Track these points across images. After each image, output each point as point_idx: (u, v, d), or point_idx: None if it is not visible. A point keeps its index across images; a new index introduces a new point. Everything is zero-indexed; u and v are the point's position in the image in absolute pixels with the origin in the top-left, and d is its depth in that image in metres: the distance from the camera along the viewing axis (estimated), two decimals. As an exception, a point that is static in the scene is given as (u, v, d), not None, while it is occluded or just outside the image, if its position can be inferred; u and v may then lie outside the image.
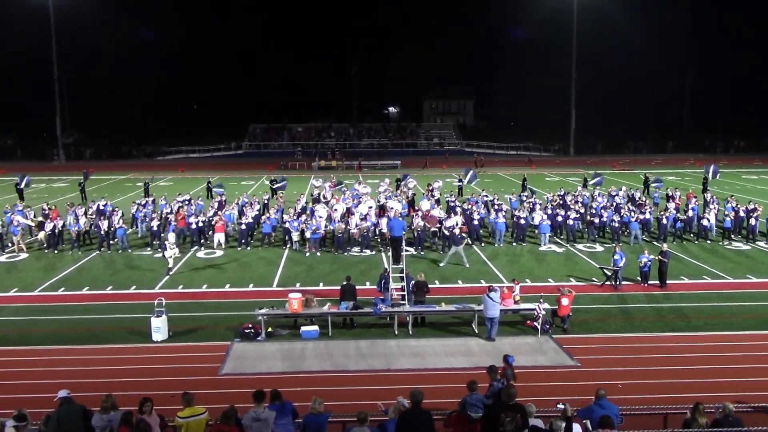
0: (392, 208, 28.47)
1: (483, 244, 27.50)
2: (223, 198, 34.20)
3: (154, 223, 27.38)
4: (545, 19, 77.02)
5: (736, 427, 9.46)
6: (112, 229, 27.07)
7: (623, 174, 54.92)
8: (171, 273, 22.84)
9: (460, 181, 42.08)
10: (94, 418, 9.61)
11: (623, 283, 21.29)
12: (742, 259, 25.16)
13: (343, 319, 17.74)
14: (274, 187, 39.12)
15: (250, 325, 16.90)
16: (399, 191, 36.54)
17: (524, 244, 27.41)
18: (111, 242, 27.03)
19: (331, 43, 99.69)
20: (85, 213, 28.84)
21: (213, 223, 27.85)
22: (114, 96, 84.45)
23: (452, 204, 31.33)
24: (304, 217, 27.99)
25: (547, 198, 33.71)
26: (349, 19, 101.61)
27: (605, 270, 21.77)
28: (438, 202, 32.78)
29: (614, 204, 31.09)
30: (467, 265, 23.70)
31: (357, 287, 18.26)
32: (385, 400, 11.45)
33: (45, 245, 26.72)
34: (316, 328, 17.01)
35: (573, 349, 15.90)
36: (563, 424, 9.10)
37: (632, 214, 28.17)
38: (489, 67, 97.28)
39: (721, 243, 27.63)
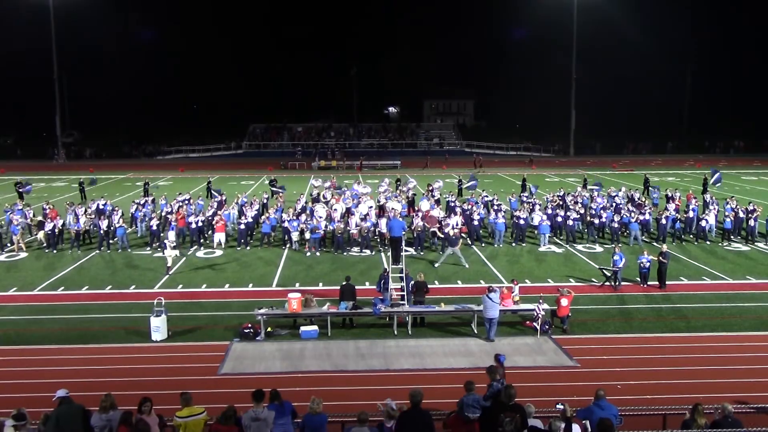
0: (393, 208, 28.49)
1: (483, 245, 27.50)
2: (223, 198, 34.22)
3: (154, 223, 27.38)
4: (545, 19, 77.12)
5: (736, 427, 9.45)
6: (111, 228, 27.07)
7: (623, 174, 54.96)
8: (170, 273, 22.84)
9: (460, 182, 42.12)
10: (93, 417, 9.61)
11: (623, 283, 21.30)
12: (741, 260, 25.17)
13: (343, 319, 17.74)
14: (272, 189, 39.08)
15: (250, 325, 16.90)
16: (398, 191, 36.58)
17: (524, 245, 27.41)
18: (111, 241, 27.03)
19: (332, 43, 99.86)
20: (85, 212, 28.86)
21: (214, 223, 27.84)
22: (114, 96, 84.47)
23: (452, 204, 31.35)
24: (303, 217, 27.99)
25: (547, 198, 33.73)
26: (349, 19, 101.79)
27: (605, 271, 21.77)
28: (438, 202, 32.78)
29: (614, 204, 31.10)
30: (466, 266, 23.71)
31: (356, 287, 18.26)
32: (385, 400, 11.44)
33: (44, 245, 26.71)
34: (315, 328, 17.01)
35: (572, 349, 15.91)
36: (563, 425, 9.11)
37: (632, 215, 28.17)
38: (489, 68, 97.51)
39: (720, 244, 27.64)
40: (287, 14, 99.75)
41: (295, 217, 27.74)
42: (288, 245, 26.92)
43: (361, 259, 25.20)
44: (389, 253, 19.83)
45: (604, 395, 10.00)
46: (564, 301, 17.18)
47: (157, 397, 10.59)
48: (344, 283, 18.02)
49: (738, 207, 29.33)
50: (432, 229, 26.52)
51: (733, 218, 28.32)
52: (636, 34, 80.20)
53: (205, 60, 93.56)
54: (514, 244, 27.49)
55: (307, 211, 29.27)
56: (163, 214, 29.99)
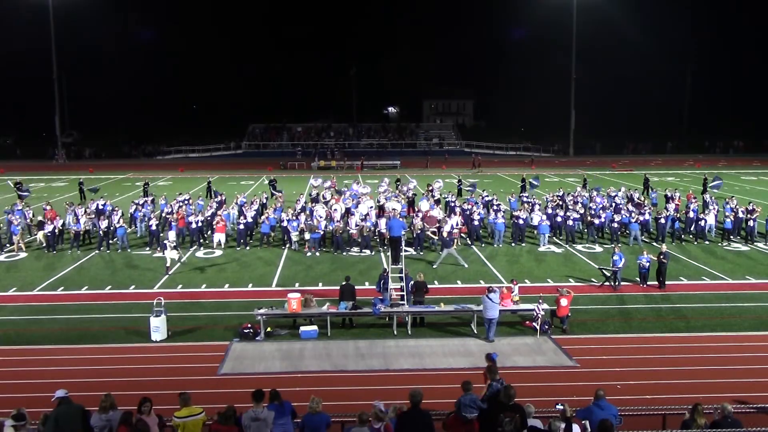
0: (393, 208, 28.48)
1: (482, 245, 27.50)
2: (223, 197, 34.20)
3: (153, 223, 27.37)
4: (545, 19, 77.13)
5: (735, 428, 9.45)
6: (111, 228, 27.07)
7: (622, 174, 54.97)
8: (170, 273, 22.83)
9: (459, 182, 42.11)
10: (93, 417, 9.61)
11: (622, 283, 21.31)
12: (741, 260, 25.18)
13: (342, 319, 17.75)
14: (272, 190, 39.05)
15: (249, 325, 16.90)
16: (397, 191, 36.58)
17: (523, 245, 27.42)
18: (110, 242, 27.03)
19: (331, 43, 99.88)
20: (85, 212, 28.86)
21: (214, 223, 27.81)
22: (113, 95, 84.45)
23: (452, 204, 31.34)
24: (303, 217, 27.99)
25: (547, 198, 33.73)
26: (349, 19, 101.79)
27: (604, 271, 21.78)
28: (438, 202, 32.77)
29: (613, 205, 31.10)
30: (465, 265, 23.72)
31: (356, 287, 18.27)
32: (384, 400, 11.44)
33: (44, 245, 26.71)
34: (315, 328, 17.01)
35: (572, 349, 15.91)
36: (563, 425, 9.10)
37: (632, 215, 28.16)
38: (489, 68, 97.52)
39: (720, 244, 27.64)
40: (287, 14, 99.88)
41: (294, 217, 27.73)
42: (288, 245, 26.92)
43: (360, 259, 25.20)
44: (389, 253, 19.82)
45: (603, 395, 10.00)
46: (563, 301, 17.19)
47: (157, 397, 10.59)
48: (344, 283, 18.02)
49: (738, 207, 29.33)
50: (431, 230, 26.53)
51: (733, 218, 28.32)
52: (636, 34, 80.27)
53: (204, 60, 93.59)
54: (513, 244, 27.49)
55: (307, 211, 29.26)
56: (164, 214, 29.97)
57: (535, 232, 28.13)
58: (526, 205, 31.19)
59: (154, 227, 27.18)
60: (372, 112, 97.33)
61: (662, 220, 28.05)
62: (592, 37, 77.97)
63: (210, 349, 16.02)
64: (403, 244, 20.53)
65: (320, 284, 21.58)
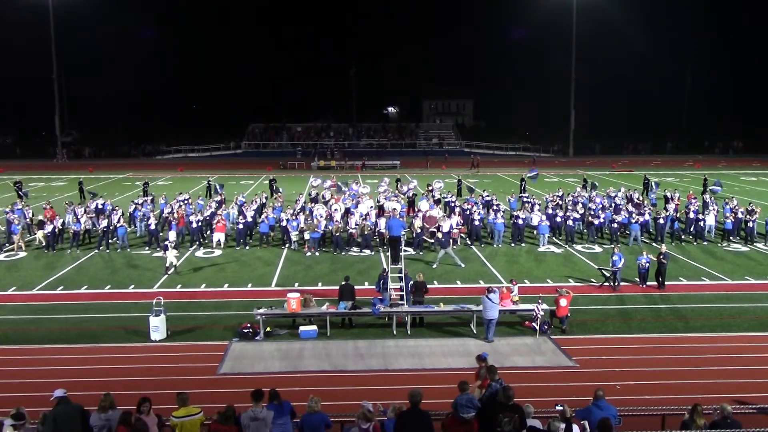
0: (393, 208, 28.49)
1: (482, 245, 27.50)
2: (222, 197, 34.18)
3: (152, 222, 27.35)
4: (545, 19, 77.12)
5: (735, 428, 9.47)
6: (111, 227, 27.05)
7: (622, 175, 54.97)
8: (170, 273, 22.82)
9: (459, 182, 42.09)
10: (92, 417, 9.61)
11: (622, 284, 21.31)
12: (740, 260, 25.18)
13: (342, 319, 17.75)
14: (272, 190, 39.03)
15: (249, 325, 16.90)
16: (396, 190, 36.59)
17: (523, 245, 27.42)
18: (110, 241, 27.02)
19: (331, 43, 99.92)
20: (85, 212, 28.85)
21: (214, 222, 27.78)
22: (113, 95, 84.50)
23: (452, 204, 31.32)
24: (303, 217, 27.98)
25: (547, 199, 33.74)
26: (348, 19, 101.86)
27: (604, 271, 21.78)
28: (438, 202, 32.77)
29: (613, 205, 31.11)
30: (461, 265, 23.72)
31: (356, 287, 18.27)
32: (384, 400, 11.45)
33: (44, 245, 26.70)
34: (314, 327, 17.01)
35: (571, 349, 15.91)
36: (563, 425, 9.10)
37: (632, 216, 28.13)
38: (488, 68, 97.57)
39: (719, 244, 27.65)
40: (286, 14, 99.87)
41: (294, 217, 27.72)
42: (287, 245, 26.92)
43: (360, 259, 25.19)
44: (388, 253, 19.82)
45: (603, 395, 10.01)
46: (563, 302, 17.19)
47: (156, 396, 10.59)
48: (343, 282, 18.02)
49: (737, 207, 29.33)
50: (430, 230, 26.52)
51: (733, 219, 28.32)
52: (636, 34, 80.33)
53: (204, 60, 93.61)
54: (513, 245, 27.49)
55: (306, 211, 29.26)
56: (164, 215, 29.95)
57: (535, 232, 28.14)
58: (526, 205, 31.18)
59: (153, 226, 27.16)
60: (372, 112, 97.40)
61: (661, 221, 28.05)
62: (592, 37, 78.01)
63: (209, 348, 16.01)
64: (402, 244, 20.54)
65: (320, 284, 21.58)
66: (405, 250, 23.13)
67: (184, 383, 13.00)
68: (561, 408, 9.36)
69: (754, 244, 27.59)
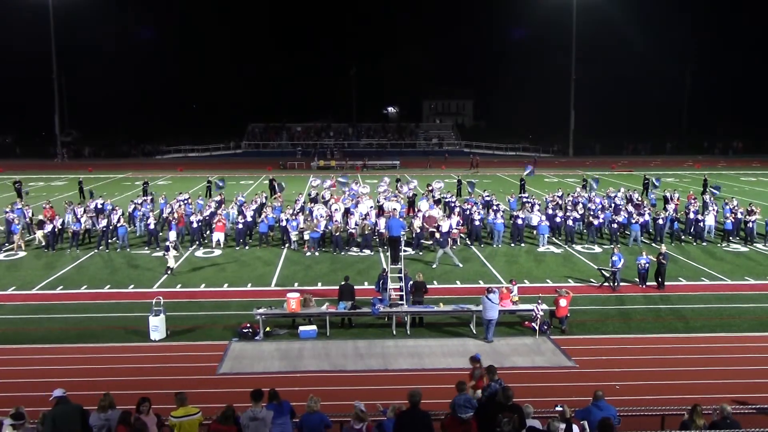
0: (393, 208, 28.46)
1: (482, 245, 27.50)
2: (222, 197, 34.17)
3: (151, 222, 27.34)
4: (545, 19, 77.12)
5: (734, 428, 9.46)
6: (111, 227, 27.04)
7: (622, 175, 54.97)
8: (168, 273, 22.81)
9: (459, 182, 42.08)
10: (91, 417, 9.61)
11: (621, 284, 21.31)
12: (740, 260, 25.18)
13: (342, 319, 17.75)
14: (272, 189, 39.04)
15: (249, 325, 16.89)
16: (396, 191, 36.59)
17: (522, 245, 27.42)
18: (110, 241, 27.01)
19: (331, 43, 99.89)
20: (85, 211, 28.85)
21: (214, 222, 27.77)
22: (113, 95, 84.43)
23: (451, 204, 31.31)
24: (302, 217, 27.96)
25: (546, 199, 33.74)
26: (348, 19, 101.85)
27: (603, 271, 21.77)
28: (438, 202, 32.77)
29: (613, 205, 31.11)
30: (460, 265, 23.72)
31: (355, 287, 18.27)
32: (383, 400, 11.45)
33: (43, 244, 26.69)
34: (314, 327, 17.01)
35: (571, 350, 15.91)
36: (563, 426, 9.10)
37: (632, 216, 28.12)
38: (488, 68, 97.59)
39: (719, 245, 27.65)
40: (286, 14, 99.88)
41: (293, 217, 27.72)
42: (287, 245, 26.92)
43: (360, 259, 25.19)
44: (388, 253, 19.82)
45: (602, 396, 10.02)
46: (563, 302, 17.18)
47: (156, 396, 10.59)
48: (343, 282, 18.02)
49: (737, 208, 29.33)
50: (431, 230, 26.53)
51: (733, 219, 28.32)
52: (636, 34, 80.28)
53: (204, 60, 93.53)
54: (512, 245, 27.49)
55: (306, 211, 29.24)
56: (164, 215, 29.93)
57: (535, 232, 28.13)
58: (526, 205, 31.19)
59: (152, 226, 27.16)
60: (372, 112, 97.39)
61: (660, 221, 28.05)
62: (592, 37, 77.99)
63: (209, 348, 16.01)
64: (402, 244, 20.54)
65: (319, 284, 21.58)
66: (405, 250, 23.13)
67: (183, 383, 13.00)
68: (561, 408, 9.36)
69: (754, 244, 27.59)
